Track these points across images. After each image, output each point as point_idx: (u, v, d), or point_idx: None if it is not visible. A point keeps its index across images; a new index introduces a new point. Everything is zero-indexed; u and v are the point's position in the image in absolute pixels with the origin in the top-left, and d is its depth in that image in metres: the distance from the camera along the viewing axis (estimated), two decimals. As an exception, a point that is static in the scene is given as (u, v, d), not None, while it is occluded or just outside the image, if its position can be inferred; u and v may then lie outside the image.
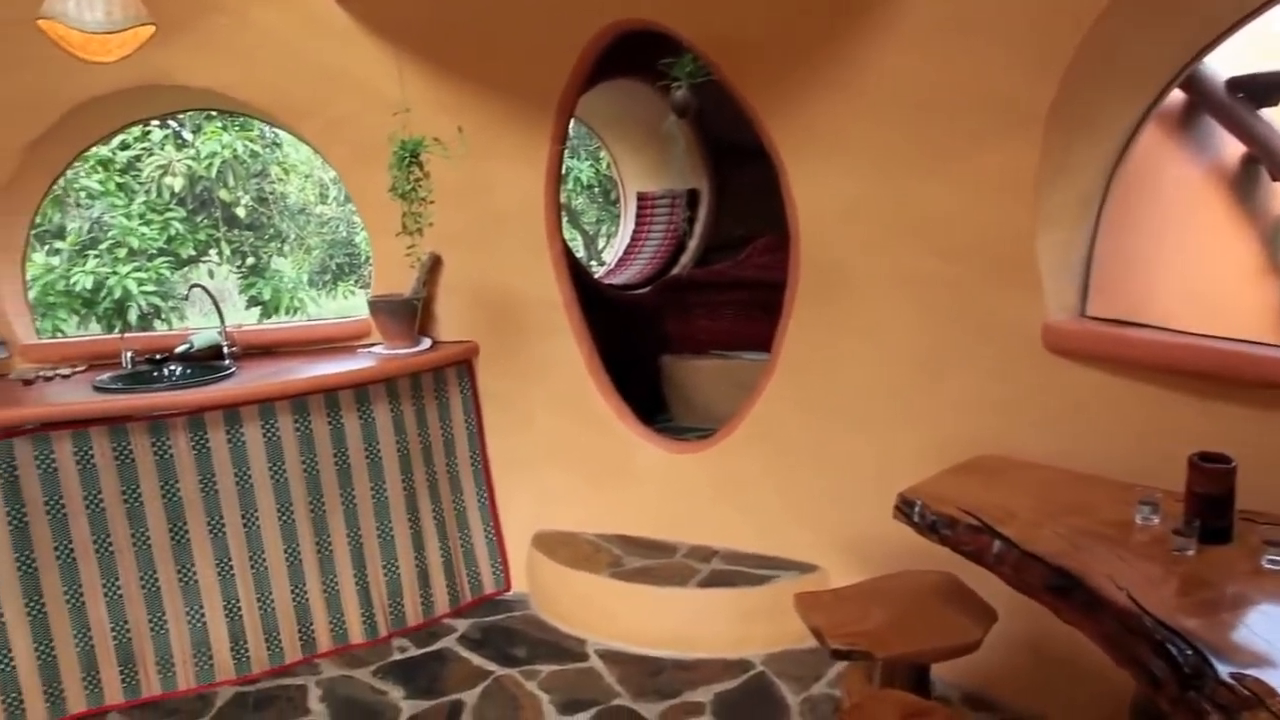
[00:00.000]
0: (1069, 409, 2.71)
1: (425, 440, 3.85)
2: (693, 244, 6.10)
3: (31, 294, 6.41)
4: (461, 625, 3.79)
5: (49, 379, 3.72)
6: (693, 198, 6.15)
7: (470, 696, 3.24)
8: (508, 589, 4.06)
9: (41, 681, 3.30)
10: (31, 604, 3.26)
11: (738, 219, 6.00)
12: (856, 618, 2.45)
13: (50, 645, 3.30)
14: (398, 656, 3.59)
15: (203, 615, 3.46)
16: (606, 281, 5.81)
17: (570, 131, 4.04)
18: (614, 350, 3.97)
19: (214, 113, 6.84)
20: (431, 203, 3.49)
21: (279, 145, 7.99)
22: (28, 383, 3.67)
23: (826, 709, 3.03)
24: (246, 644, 3.51)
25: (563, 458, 3.96)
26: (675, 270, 5.98)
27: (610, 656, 3.43)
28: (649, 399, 4.92)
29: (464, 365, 3.97)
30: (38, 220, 6.80)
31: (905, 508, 2.43)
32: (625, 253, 6.34)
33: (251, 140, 7.55)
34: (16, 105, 3.58)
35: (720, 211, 6.16)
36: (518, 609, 3.90)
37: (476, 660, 3.49)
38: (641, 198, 6.40)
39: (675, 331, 5.29)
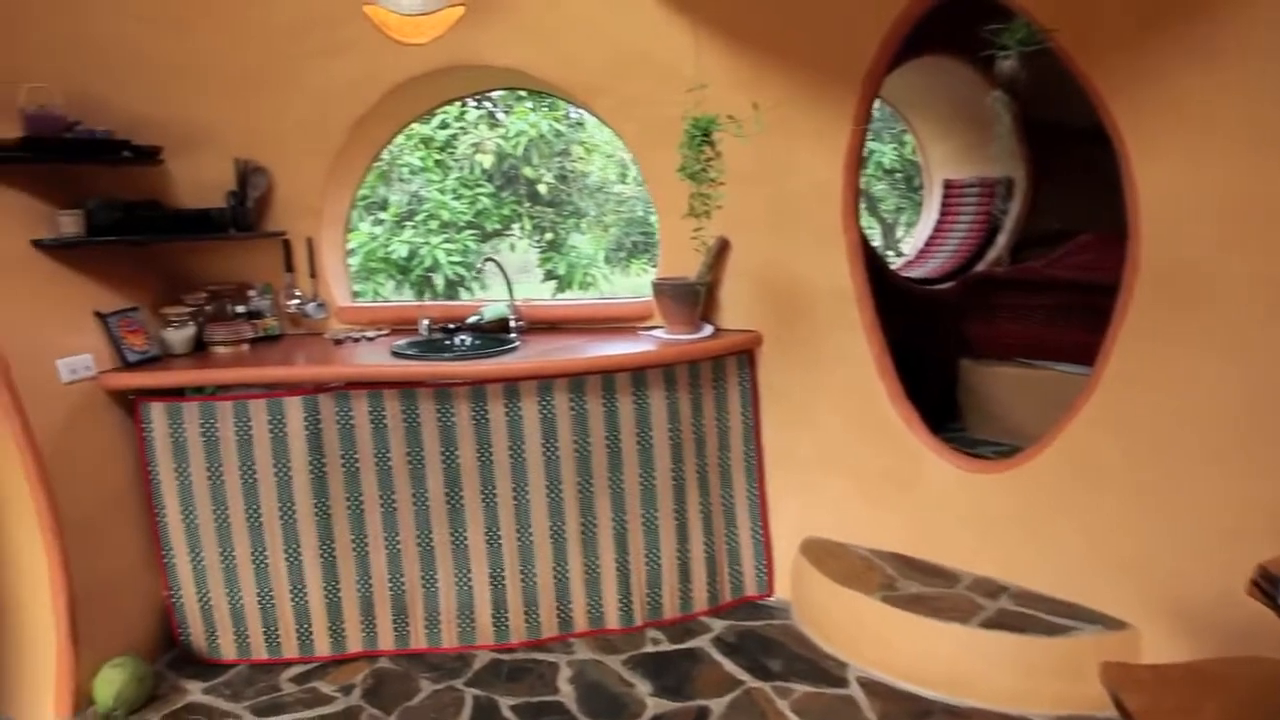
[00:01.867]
0: None
1: (699, 430, 3.71)
2: (1002, 238, 5.52)
3: (356, 260, 7.04)
4: (717, 626, 3.63)
5: (356, 340, 3.97)
6: (1007, 186, 5.57)
7: (718, 705, 3.07)
8: (769, 594, 3.85)
9: (328, 618, 3.54)
10: (324, 547, 3.50)
11: (1056, 211, 5.36)
12: (1184, 708, 1.98)
13: (336, 587, 3.53)
14: (650, 649, 3.49)
15: (470, 579, 3.56)
16: (904, 274, 5.40)
17: (874, 112, 3.71)
18: (905, 348, 3.61)
19: (523, 93, 7.13)
20: (721, 184, 3.32)
21: (582, 125, 8.21)
22: (338, 342, 3.93)
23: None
24: (507, 614, 3.57)
25: (841, 462, 3.66)
26: (980, 266, 5.45)
27: (872, 687, 3.12)
28: (940, 405, 4.49)
29: (745, 355, 3.78)
30: (366, 193, 7.47)
31: (1267, 585, 1.92)
32: (926, 244, 5.88)
33: (557, 120, 7.81)
34: (344, 87, 3.83)
35: (1037, 202, 5.53)
36: (778, 617, 3.68)
37: (729, 666, 3.32)
38: (949, 185, 5.90)
39: (976, 333, 4.80)
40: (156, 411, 3.41)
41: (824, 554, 3.58)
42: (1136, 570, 2.92)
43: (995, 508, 3.27)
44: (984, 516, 3.31)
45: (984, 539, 3.32)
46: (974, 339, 4.80)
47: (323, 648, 3.54)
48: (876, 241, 9.33)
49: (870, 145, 8.42)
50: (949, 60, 5.07)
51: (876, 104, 4.02)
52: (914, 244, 6.13)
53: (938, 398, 4.53)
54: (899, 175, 9.01)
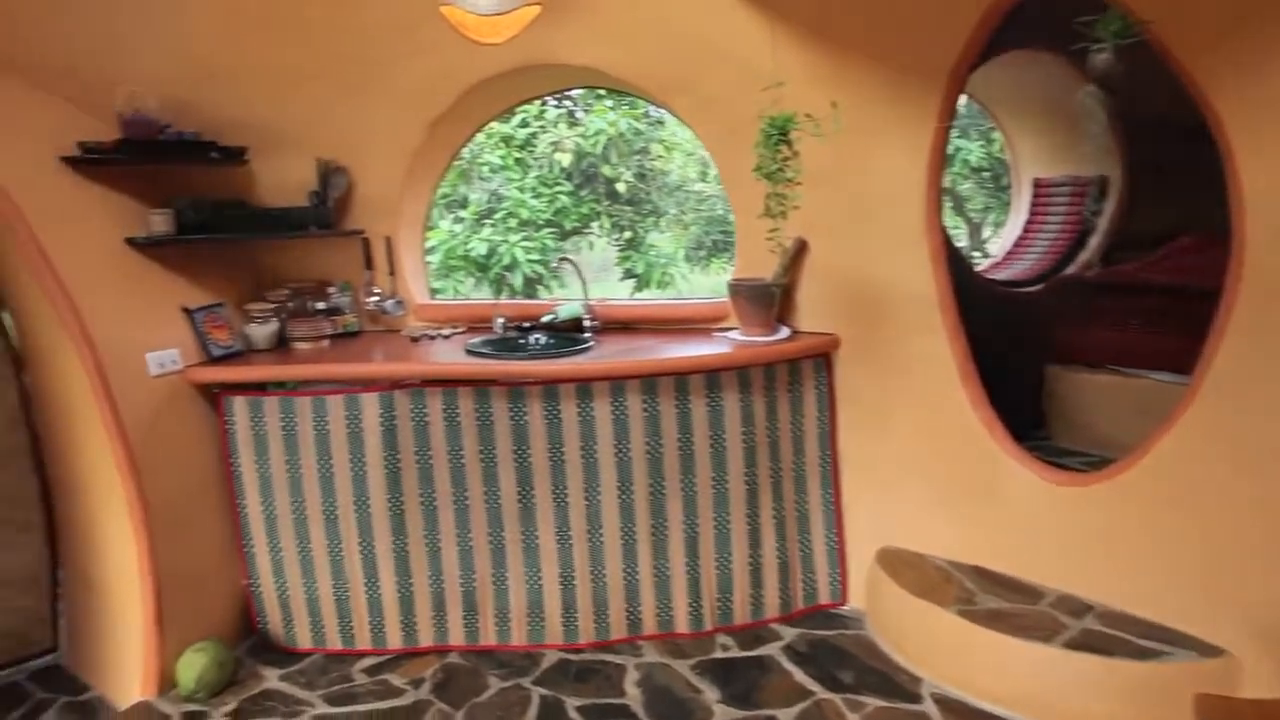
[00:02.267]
0: None
1: (773, 434, 3.65)
2: (1094, 240, 5.31)
3: (436, 258, 7.13)
4: (789, 634, 3.56)
5: (432, 338, 4.01)
6: (1100, 186, 5.35)
7: (786, 715, 3.01)
8: (843, 603, 3.77)
9: (400, 612, 3.58)
10: (397, 542, 3.54)
11: (1153, 212, 5.12)
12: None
13: (409, 582, 3.57)
14: (719, 654, 3.45)
15: (540, 578, 3.56)
16: (990, 276, 5.24)
17: (960, 109, 3.59)
18: (988, 352, 3.49)
19: (603, 91, 7.13)
20: (798, 184, 3.25)
21: (662, 123, 8.18)
22: (415, 340, 3.98)
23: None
24: (576, 614, 3.56)
25: (919, 470, 3.56)
26: (1071, 269, 5.26)
27: (948, 704, 3.01)
28: (1024, 412, 4.34)
29: (822, 359, 3.70)
30: (446, 191, 7.56)
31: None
32: (1014, 245, 5.69)
33: (636, 119, 7.79)
34: (423, 87, 3.87)
35: (1132, 203, 5.30)
36: (851, 627, 3.59)
37: (799, 676, 3.25)
38: (1038, 184, 5.70)
39: (1065, 338, 4.62)
40: (239, 405, 3.50)
41: (900, 564, 3.48)
42: (1238, 593, 2.75)
43: (1082, 522, 3.14)
44: (1069, 531, 3.18)
45: (1069, 554, 3.18)
46: (1063, 344, 4.62)
47: (395, 640, 3.59)
48: (962, 242, 9.09)
49: (956, 143, 8.20)
50: (1040, 54, 4.90)
51: (963, 100, 3.90)
52: (1001, 245, 5.94)
53: (1023, 405, 4.37)
54: (987, 174, 8.75)
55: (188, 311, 3.50)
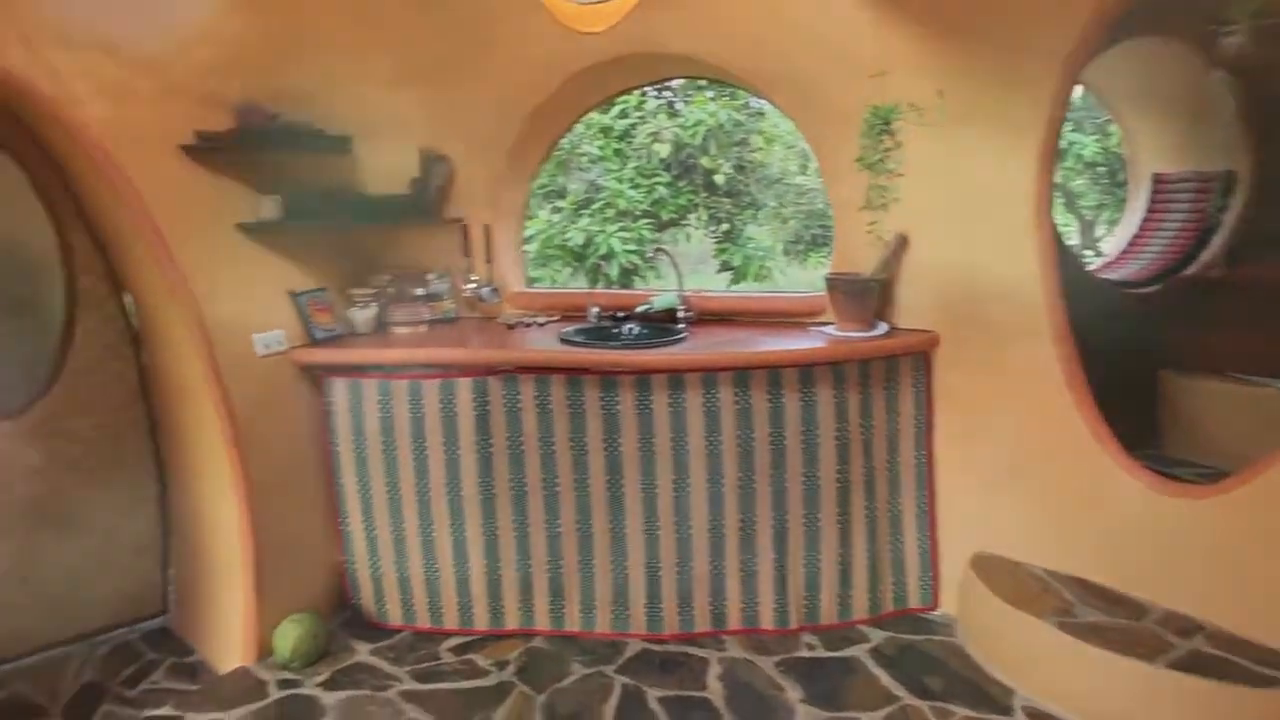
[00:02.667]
0: None
1: (867, 432, 3.56)
2: (1219, 239, 5.02)
3: (533, 247, 7.21)
4: (876, 637, 3.49)
5: (527, 325, 4.05)
6: (1227, 181, 5.05)
7: (870, 719, 2.95)
8: (934, 608, 3.66)
9: (488, 594, 3.64)
10: (486, 526, 3.60)
11: (1283, 210, 4.81)
12: None
13: (497, 565, 3.62)
14: (804, 654, 3.39)
15: (625, 567, 3.56)
16: (1102, 276, 5.01)
17: (1074, 101, 3.43)
18: (1098, 355, 3.33)
19: (703, 82, 7.08)
20: (901, 175, 3.17)
21: (762, 114, 8.08)
22: (510, 327, 4.03)
23: None
24: (661, 604, 3.56)
25: (1019, 475, 3.42)
26: (1192, 269, 4.98)
27: (1040, 719, 2.91)
28: (1135, 418, 4.14)
29: (920, 357, 3.59)
30: (545, 181, 7.63)
31: None
32: (1130, 244, 5.41)
33: (736, 110, 7.72)
34: (523, 77, 3.90)
35: (1262, 199, 4.99)
36: (940, 633, 3.49)
37: (885, 680, 3.17)
38: (1159, 180, 5.42)
39: (1183, 342, 4.38)
40: (339, 387, 3.60)
41: (996, 571, 3.36)
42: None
43: (1194, 536, 2.97)
44: (1179, 545, 3.01)
45: (1177, 570, 3.02)
46: (1180, 348, 4.39)
47: (481, 622, 3.65)
48: (1073, 240, 8.73)
49: (1069, 136, 7.86)
50: (1166, 42, 4.64)
51: (1078, 91, 3.73)
52: (1115, 243, 5.67)
53: (1133, 411, 4.17)
54: (1101, 169, 8.37)
55: (293, 295, 3.61)
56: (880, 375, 3.55)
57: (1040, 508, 3.38)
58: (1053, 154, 3.20)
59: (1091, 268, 5.25)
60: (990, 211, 3.31)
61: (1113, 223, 8.38)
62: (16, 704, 3.18)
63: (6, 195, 3.29)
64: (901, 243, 3.58)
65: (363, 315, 3.86)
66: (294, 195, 3.53)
